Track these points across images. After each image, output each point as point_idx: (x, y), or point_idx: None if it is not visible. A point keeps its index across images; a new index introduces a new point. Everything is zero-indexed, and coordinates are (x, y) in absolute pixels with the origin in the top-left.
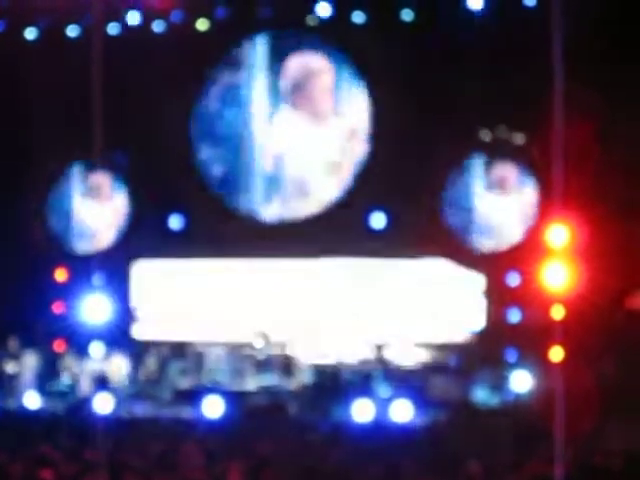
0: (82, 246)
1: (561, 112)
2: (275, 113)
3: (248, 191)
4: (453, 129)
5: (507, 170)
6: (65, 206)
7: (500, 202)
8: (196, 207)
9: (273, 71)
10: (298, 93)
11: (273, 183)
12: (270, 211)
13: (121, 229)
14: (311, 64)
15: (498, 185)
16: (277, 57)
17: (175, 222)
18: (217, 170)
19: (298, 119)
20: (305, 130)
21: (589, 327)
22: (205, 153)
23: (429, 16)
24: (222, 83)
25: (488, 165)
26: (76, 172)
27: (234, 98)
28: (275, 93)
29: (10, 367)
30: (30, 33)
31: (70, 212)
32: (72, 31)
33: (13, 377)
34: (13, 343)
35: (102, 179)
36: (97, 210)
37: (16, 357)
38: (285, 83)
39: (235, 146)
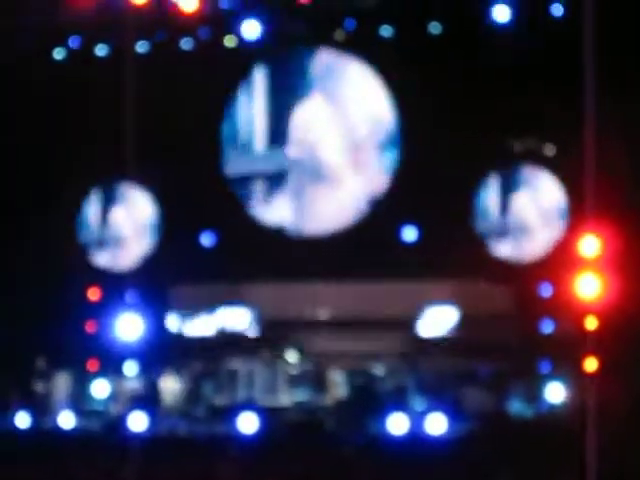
0: (115, 264)
1: (593, 122)
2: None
3: (278, 203)
4: (483, 141)
5: (538, 182)
6: (97, 224)
7: (531, 213)
8: (228, 223)
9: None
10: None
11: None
12: (299, 223)
13: (153, 247)
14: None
15: (529, 197)
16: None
17: (207, 239)
18: (248, 185)
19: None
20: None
21: (623, 337)
22: (234, 167)
23: (457, 29)
24: (248, 98)
25: (519, 177)
26: (107, 189)
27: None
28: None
29: (43, 387)
30: (58, 53)
31: (102, 230)
32: (101, 50)
33: (46, 397)
34: (46, 362)
35: (132, 195)
36: (128, 227)
37: (49, 377)
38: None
39: (263, 158)
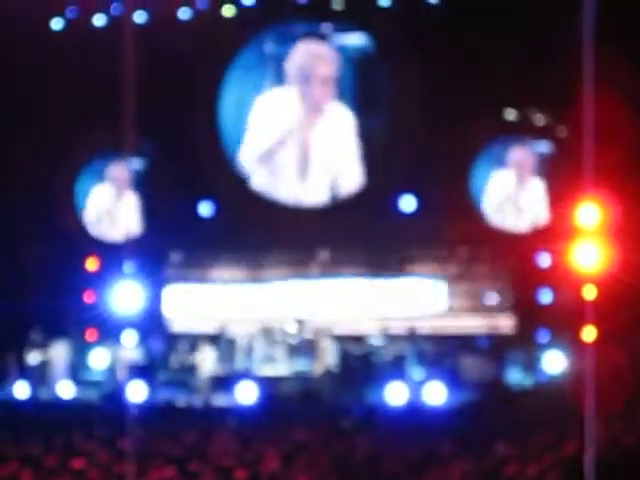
0: (113, 235)
1: (591, 90)
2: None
3: (273, 176)
4: (481, 110)
5: (536, 149)
6: (95, 195)
7: (529, 182)
8: (226, 194)
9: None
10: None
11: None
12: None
13: (152, 217)
14: (316, 52)
15: (527, 165)
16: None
17: (205, 209)
18: (243, 155)
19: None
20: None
21: (621, 307)
22: (232, 139)
23: None
24: (244, 69)
25: (517, 145)
26: (106, 160)
27: (254, 84)
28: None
29: (42, 357)
30: (56, 23)
31: (100, 201)
32: (99, 20)
33: (45, 367)
34: (45, 332)
35: (131, 167)
36: (126, 198)
37: (48, 347)
38: (291, 69)
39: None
